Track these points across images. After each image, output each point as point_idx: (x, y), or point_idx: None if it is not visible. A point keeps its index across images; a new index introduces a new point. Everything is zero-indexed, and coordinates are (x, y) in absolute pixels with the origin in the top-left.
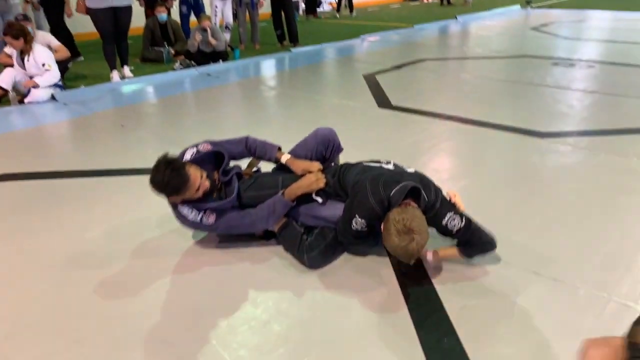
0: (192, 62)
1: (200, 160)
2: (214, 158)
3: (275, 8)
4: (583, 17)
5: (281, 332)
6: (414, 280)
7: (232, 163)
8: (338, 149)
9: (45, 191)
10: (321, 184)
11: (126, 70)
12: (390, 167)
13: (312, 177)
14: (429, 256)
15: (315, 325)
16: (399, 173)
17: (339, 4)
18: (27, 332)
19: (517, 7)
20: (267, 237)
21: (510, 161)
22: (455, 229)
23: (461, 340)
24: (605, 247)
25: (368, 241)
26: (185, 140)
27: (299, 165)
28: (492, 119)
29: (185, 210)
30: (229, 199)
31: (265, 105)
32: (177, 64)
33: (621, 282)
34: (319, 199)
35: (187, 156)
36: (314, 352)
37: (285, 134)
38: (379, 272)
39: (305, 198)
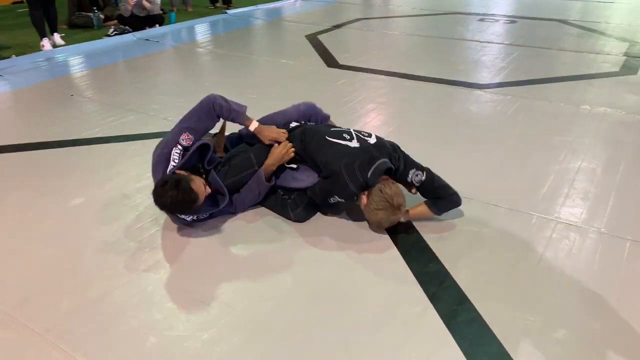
0: (127, 28)
1: (188, 159)
2: (198, 150)
3: None
4: None
5: (283, 273)
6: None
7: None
8: (323, 120)
9: (28, 163)
10: (291, 153)
11: (57, 37)
12: (355, 143)
13: (282, 149)
14: (401, 217)
15: (315, 266)
16: (366, 150)
17: None
18: (45, 294)
19: None
20: None
21: (455, 112)
22: (419, 183)
23: (443, 264)
24: (548, 180)
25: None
26: (141, 107)
27: (266, 136)
28: (432, 74)
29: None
30: (224, 203)
31: (214, 69)
32: (111, 30)
33: (564, 207)
34: (293, 166)
35: (175, 157)
36: (318, 288)
37: (242, 98)
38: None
39: (279, 168)
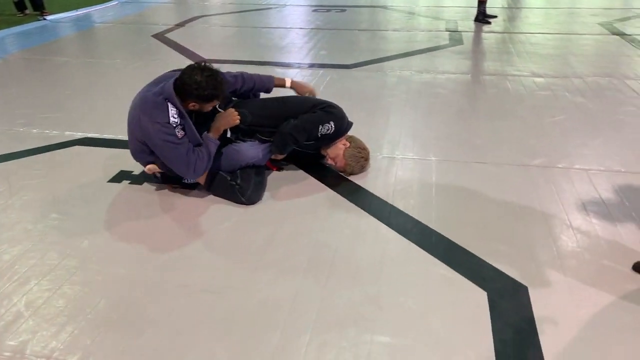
0: None
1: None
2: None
3: None
4: None
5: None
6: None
7: None
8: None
9: None
10: (237, 119)
11: None
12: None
13: (227, 115)
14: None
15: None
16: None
17: None
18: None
19: None
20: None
21: (347, 90)
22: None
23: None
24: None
25: (313, 146)
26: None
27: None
28: (298, 60)
29: (174, 111)
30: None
31: (74, 78)
32: None
33: (401, 147)
34: (229, 134)
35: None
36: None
37: (116, 104)
38: (308, 181)
39: (224, 144)
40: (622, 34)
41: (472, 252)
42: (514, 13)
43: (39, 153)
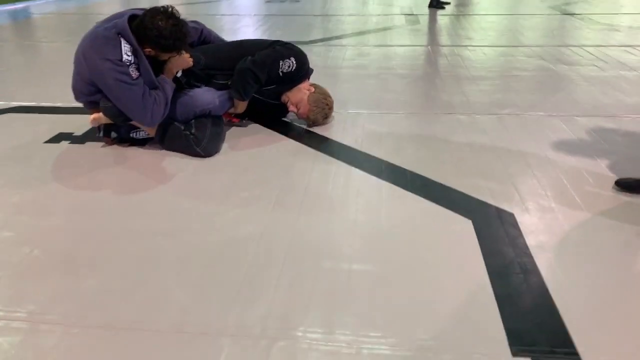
0: None
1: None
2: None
3: None
4: None
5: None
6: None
7: None
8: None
9: None
10: (190, 60)
11: None
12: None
13: (179, 57)
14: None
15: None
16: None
17: None
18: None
19: None
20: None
21: None
22: None
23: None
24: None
25: (274, 90)
26: None
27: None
28: (253, 38)
29: (128, 47)
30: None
31: (10, 57)
32: None
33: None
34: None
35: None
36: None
37: (55, 76)
38: (270, 133)
39: (176, 90)
40: (572, 14)
41: (452, 187)
42: (463, 1)
43: None
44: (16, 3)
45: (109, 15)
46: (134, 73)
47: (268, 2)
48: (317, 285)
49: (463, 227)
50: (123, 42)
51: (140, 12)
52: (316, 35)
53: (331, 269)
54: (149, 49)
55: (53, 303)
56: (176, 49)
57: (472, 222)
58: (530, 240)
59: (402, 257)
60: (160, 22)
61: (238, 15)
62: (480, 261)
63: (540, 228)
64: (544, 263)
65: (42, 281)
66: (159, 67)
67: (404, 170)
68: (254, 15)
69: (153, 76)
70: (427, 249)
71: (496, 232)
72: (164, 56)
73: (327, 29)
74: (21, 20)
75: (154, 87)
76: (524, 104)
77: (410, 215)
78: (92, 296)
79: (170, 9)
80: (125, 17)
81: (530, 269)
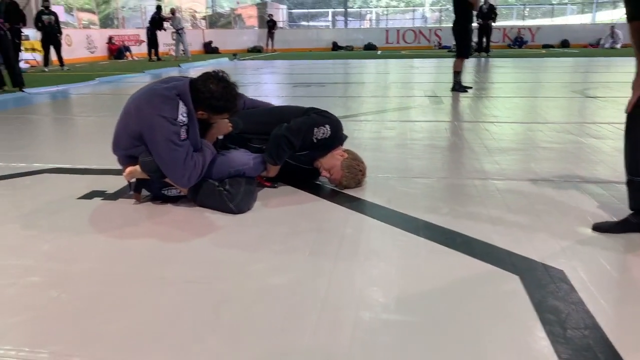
0: None
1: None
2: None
3: None
4: (272, 64)
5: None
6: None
7: None
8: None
9: None
10: (229, 126)
11: None
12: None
13: (223, 122)
14: None
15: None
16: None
17: (46, 58)
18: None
19: (225, 59)
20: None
21: None
22: None
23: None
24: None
25: (308, 157)
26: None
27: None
28: None
29: (184, 109)
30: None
31: (47, 128)
32: None
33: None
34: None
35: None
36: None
37: (90, 144)
38: (302, 193)
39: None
40: (594, 97)
41: (494, 244)
42: (487, 85)
43: (3, 179)
44: (58, 85)
45: (163, 78)
46: (183, 135)
47: (295, 86)
48: (355, 335)
49: (510, 283)
50: (181, 103)
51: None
52: (340, 112)
53: (370, 319)
54: (202, 112)
55: (78, 345)
56: (227, 110)
57: (520, 278)
58: (585, 296)
59: (445, 309)
60: (212, 85)
61: (267, 97)
62: (534, 316)
63: (593, 283)
64: (603, 318)
65: (68, 323)
66: (202, 131)
67: (442, 227)
68: (282, 97)
69: (199, 140)
70: (472, 302)
71: (547, 288)
72: (215, 119)
73: (350, 107)
74: (60, 99)
75: (197, 149)
76: (560, 171)
77: (451, 269)
78: (120, 340)
79: (220, 74)
80: (187, 81)
81: (590, 325)
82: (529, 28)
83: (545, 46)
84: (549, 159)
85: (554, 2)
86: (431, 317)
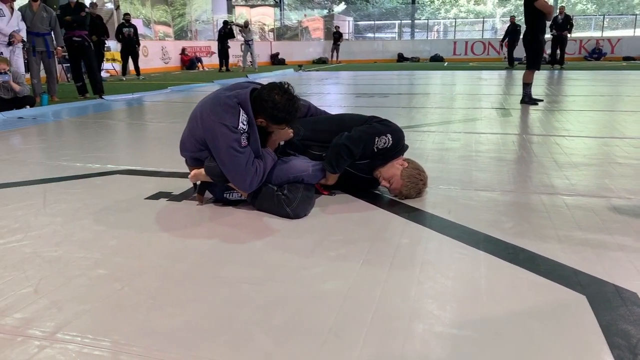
0: None
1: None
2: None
3: (74, 59)
4: (337, 75)
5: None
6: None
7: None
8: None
9: None
10: (290, 132)
11: None
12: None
13: (284, 130)
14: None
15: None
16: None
17: (124, 67)
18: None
19: (291, 70)
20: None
21: None
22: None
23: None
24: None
25: (367, 166)
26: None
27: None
28: None
29: (244, 118)
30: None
31: (122, 132)
32: None
33: None
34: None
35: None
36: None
37: (162, 148)
38: (360, 202)
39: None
40: None
41: (560, 262)
42: (559, 98)
43: (79, 179)
44: (133, 93)
45: (229, 85)
46: (244, 142)
47: (358, 97)
48: (406, 346)
49: (576, 303)
50: (242, 112)
51: (259, 86)
52: (403, 122)
53: (423, 330)
54: (262, 120)
55: (137, 336)
56: (286, 122)
57: (587, 298)
58: None
59: (504, 326)
60: (276, 96)
61: (329, 106)
62: (601, 340)
63: None
64: None
65: (129, 315)
66: (264, 137)
67: (504, 242)
68: (345, 106)
69: (259, 147)
70: (533, 320)
71: (618, 311)
72: (274, 128)
73: (414, 117)
74: (135, 106)
75: (257, 155)
76: (636, 189)
77: (512, 285)
78: (176, 333)
79: (286, 85)
80: (248, 90)
81: None
82: (609, 39)
83: (626, 58)
84: (626, 176)
85: (637, 12)
86: (488, 333)
